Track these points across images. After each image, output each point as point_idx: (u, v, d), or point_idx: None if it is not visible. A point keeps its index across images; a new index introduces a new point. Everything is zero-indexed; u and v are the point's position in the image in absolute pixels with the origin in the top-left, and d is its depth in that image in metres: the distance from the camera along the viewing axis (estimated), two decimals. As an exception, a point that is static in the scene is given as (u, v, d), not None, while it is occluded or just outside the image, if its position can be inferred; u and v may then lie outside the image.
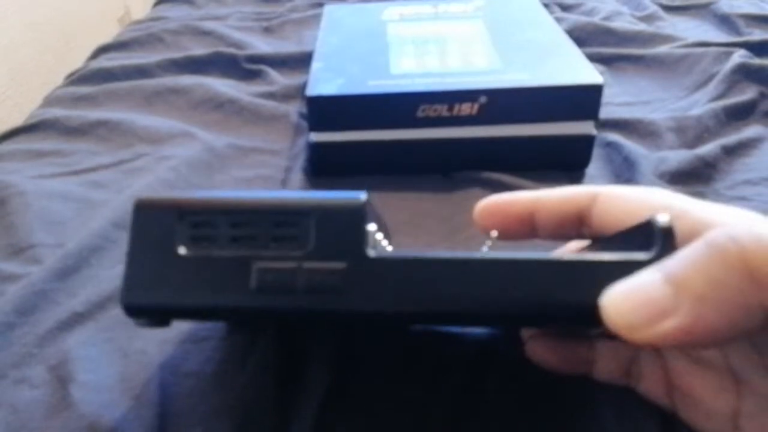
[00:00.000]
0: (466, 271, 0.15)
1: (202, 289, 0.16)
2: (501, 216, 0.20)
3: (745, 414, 0.17)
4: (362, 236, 0.15)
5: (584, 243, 0.21)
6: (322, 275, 0.15)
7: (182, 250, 0.16)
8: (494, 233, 0.20)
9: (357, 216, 0.15)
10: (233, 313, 0.16)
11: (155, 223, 0.16)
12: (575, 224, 0.19)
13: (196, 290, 0.16)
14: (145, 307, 0.16)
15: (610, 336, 0.14)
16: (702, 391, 0.18)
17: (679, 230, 0.15)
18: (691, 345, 0.13)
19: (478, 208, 0.20)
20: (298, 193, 0.16)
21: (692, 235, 0.14)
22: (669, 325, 0.13)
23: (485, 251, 0.16)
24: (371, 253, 0.15)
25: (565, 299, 0.14)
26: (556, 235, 0.20)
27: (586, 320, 0.14)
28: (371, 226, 0.16)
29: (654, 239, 0.14)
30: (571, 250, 0.22)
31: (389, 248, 0.19)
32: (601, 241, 0.19)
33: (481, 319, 0.15)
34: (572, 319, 0.14)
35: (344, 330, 0.20)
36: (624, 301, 0.13)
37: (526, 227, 0.20)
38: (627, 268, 0.14)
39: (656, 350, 0.20)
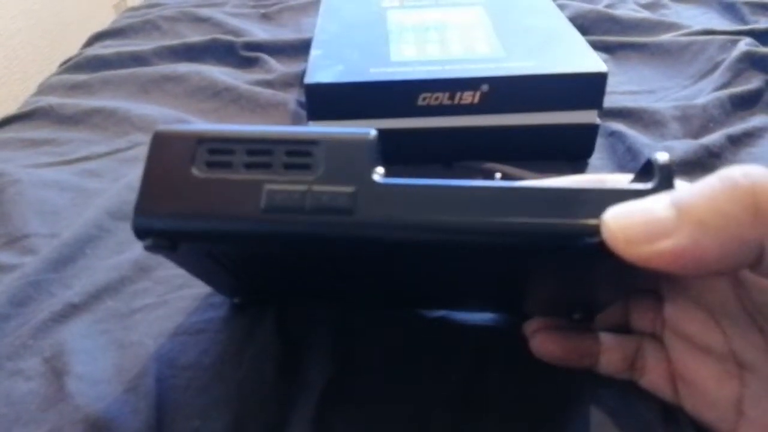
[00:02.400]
0: (471, 198, 0.15)
1: (213, 210, 0.16)
2: None
3: (748, 399, 0.17)
4: (371, 164, 0.16)
5: None
6: (330, 197, 0.15)
7: (197, 172, 0.16)
8: (498, 175, 0.19)
9: (366, 146, 0.16)
10: (242, 236, 0.16)
11: (173, 148, 0.16)
12: None
13: (207, 212, 0.16)
14: (157, 229, 0.16)
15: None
16: (706, 379, 0.18)
17: None
18: (681, 270, 0.14)
19: None
20: (311, 128, 0.16)
21: None
22: (666, 244, 0.13)
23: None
24: (378, 178, 0.16)
25: (567, 224, 0.15)
26: None
27: (587, 243, 0.14)
28: (380, 168, 0.16)
29: (654, 173, 0.15)
30: None
31: None
32: None
33: (485, 246, 0.15)
34: (574, 242, 0.15)
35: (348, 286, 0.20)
36: (626, 216, 0.14)
37: None
38: (628, 197, 0.14)
39: (659, 340, 0.19)
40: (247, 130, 0.16)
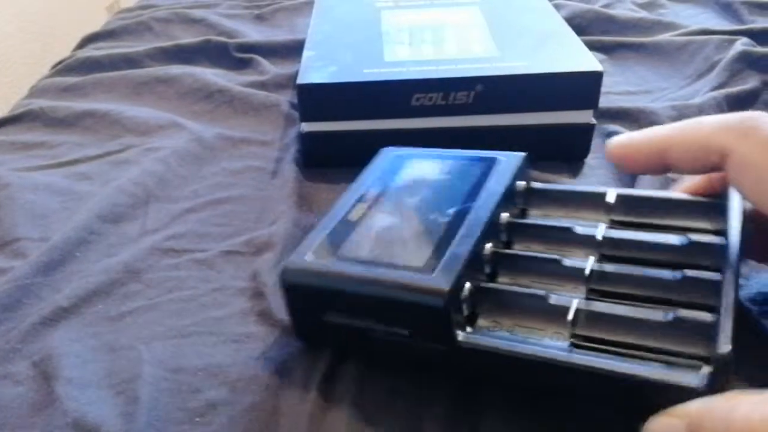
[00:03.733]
0: (540, 365, 0.18)
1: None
2: (633, 156, 0.20)
3: None
4: (450, 326, 0.19)
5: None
6: (423, 352, 0.20)
7: (327, 317, 0.21)
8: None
9: (443, 311, 0.18)
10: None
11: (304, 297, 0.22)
12: (709, 167, 0.19)
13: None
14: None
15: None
16: None
17: None
18: None
19: (611, 148, 0.21)
20: (397, 282, 0.19)
21: None
22: None
23: (563, 349, 0.19)
24: (461, 337, 0.19)
25: (621, 398, 0.18)
26: (692, 172, 0.21)
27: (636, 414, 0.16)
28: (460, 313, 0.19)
29: (708, 369, 0.16)
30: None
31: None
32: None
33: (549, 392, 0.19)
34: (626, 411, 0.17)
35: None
36: None
37: (659, 165, 0.20)
38: (675, 391, 0.16)
39: None
40: (357, 293, 0.20)
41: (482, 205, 0.22)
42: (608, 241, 0.21)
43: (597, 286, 0.20)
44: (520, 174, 0.24)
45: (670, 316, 0.17)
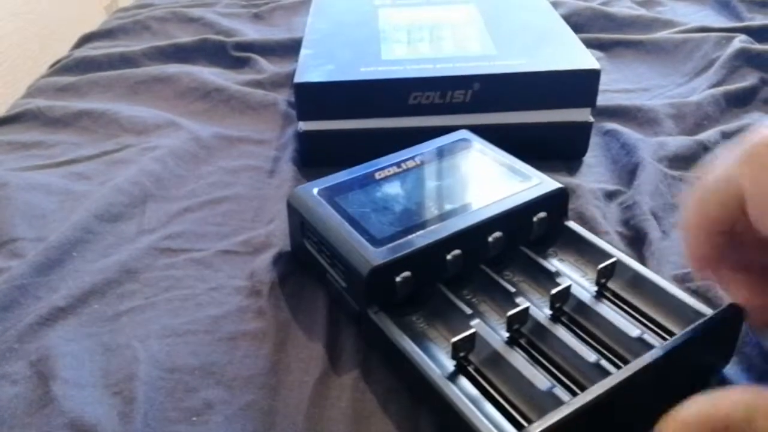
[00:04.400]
0: (411, 368, 0.19)
1: None
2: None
3: None
4: (365, 296, 0.22)
5: None
6: (349, 310, 0.23)
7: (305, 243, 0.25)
8: None
9: (364, 280, 0.21)
10: None
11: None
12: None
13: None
14: None
15: None
16: None
17: None
18: None
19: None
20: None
21: None
22: None
23: None
24: (371, 311, 0.21)
25: (449, 426, 0.19)
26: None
27: None
28: None
29: None
30: None
31: None
32: None
33: None
34: None
35: None
36: None
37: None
38: None
39: None
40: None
41: (468, 216, 0.23)
42: (577, 302, 0.21)
43: (530, 333, 0.20)
44: (546, 204, 0.24)
45: (549, 388, 0.18)
